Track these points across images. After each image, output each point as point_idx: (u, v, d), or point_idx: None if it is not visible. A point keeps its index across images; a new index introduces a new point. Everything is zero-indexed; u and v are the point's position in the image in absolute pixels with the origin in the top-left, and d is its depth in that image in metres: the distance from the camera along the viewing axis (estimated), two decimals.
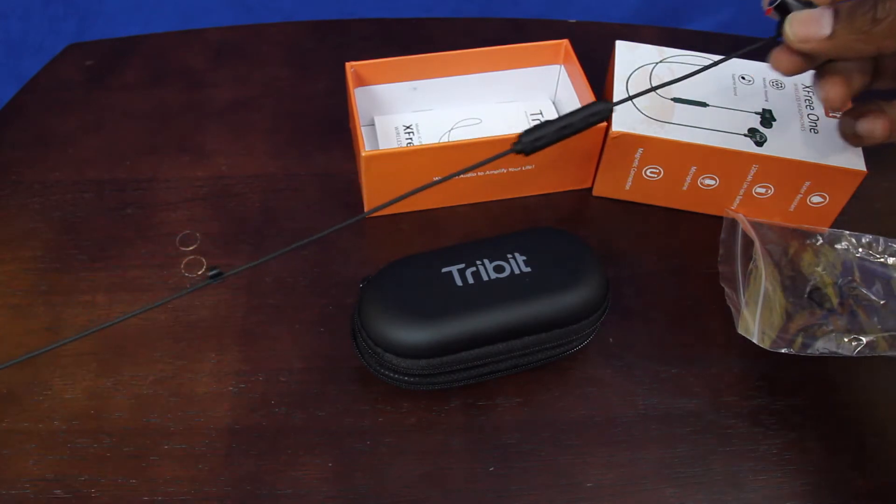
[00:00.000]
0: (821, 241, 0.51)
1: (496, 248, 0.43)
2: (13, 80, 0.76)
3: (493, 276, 0.42)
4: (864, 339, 0.46)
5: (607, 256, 0.51)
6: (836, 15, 0.38)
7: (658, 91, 0.52)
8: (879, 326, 0.47)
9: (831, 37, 0.38)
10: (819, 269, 0.50)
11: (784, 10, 0.40)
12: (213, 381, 0.45)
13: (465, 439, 0.43)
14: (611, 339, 0.47)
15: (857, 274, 0.49)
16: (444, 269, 0.42)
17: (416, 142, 0.55)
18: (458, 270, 0.42)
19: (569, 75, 0.55)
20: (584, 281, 0.42)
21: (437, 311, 0.41)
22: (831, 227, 0.52)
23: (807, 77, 0.53)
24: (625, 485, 0.42)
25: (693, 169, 0.50)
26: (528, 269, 0.42)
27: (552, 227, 0.46)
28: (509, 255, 0.43)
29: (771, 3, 0.41)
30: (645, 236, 0.53)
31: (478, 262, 0.42)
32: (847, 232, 0.51)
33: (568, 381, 0.45)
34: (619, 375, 0.46)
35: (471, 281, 0.42)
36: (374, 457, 0.42)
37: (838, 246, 0.51)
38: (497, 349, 0.41)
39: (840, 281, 0.49)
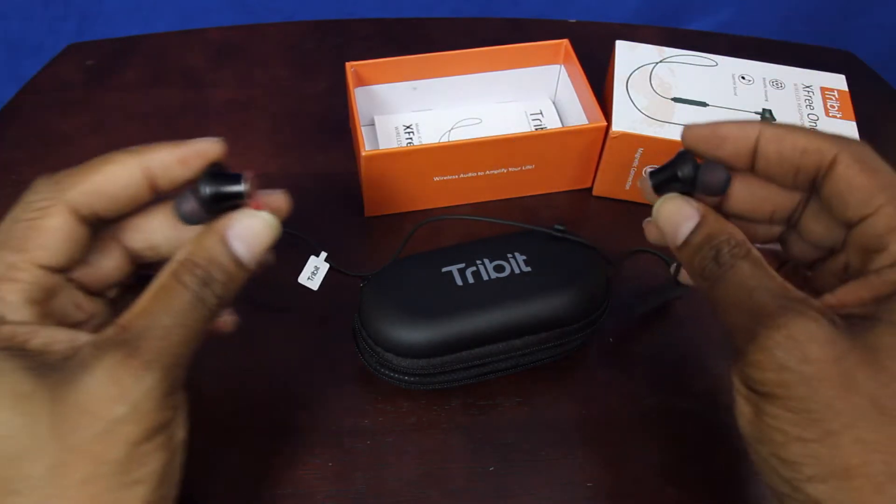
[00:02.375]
0: None
1: (496, 248, 0.43)
2: (13, 80, 0.76)
3: (494, 275, 0.42)
4: None
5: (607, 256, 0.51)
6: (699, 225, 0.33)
7: (657, 90, 0.52)
8: None
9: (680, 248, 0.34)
10: None
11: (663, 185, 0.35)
12: (213, 381, 0.45)
13: (465, 439, 0.43)
14: (610, 339, 0.47)
15: None
16: (444, 269, 0.42)
17: (416, 142, 0.55)
18: (459, 270, 0.42)
19: (569, 75, 0.55)
20: (584, 281, 0.42)
21: (437, 311, 0.41)
22: None
23: (807, 77, 0.53)
24: (625, 485, 0.42)
25: None
26: (529, 269, 0.42)
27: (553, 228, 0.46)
28: (509, 255, 0.43)
29: (651, 177, 0.36)
30: (645, 236, 0.52)
31: (478, 262, 0.42)
32: None
33: (568, 380, 0.45)
34: (620, 375, 0.46)
35: (471, 280, 0.42)
36: (374, 456, 0.42)
37: None
38: (497, 349, 0.41)
39: None
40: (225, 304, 0.32)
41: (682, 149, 0.34)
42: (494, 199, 0.54)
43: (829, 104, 0.52)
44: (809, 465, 0.27)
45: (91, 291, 0.34)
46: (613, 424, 0.44)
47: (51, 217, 0.31)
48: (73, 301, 0.32)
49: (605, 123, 0.50)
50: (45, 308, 0.31)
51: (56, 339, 0.29)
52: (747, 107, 0.51)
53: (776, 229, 0.36)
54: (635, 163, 0.51)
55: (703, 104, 0.51)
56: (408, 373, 0.41)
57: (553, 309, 0.42)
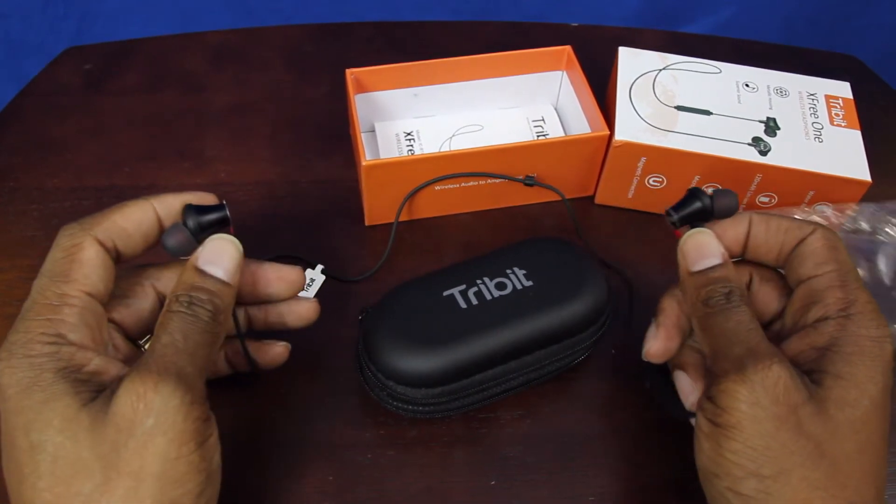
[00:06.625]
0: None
1: (495, 265, 0.42)
2: (13, 80, 0.75)
3: (496, 293, 0.41)
4: None
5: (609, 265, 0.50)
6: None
7: (661, 98, 0.51)
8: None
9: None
10: None
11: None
12: (212, 393, 0.44)
13: (466, 452, 0.43)
14: (612, 351, 0.47)
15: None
16: (445, 293, 0.41)
17: (416, 149, 0.54)
18: (461, 292, 0.41)
19: (571, 82, 0.55)
20: (587, 288, 0.42)
21: (447, 337, 0.40)
22: None
23: (811, 84, 0.53)
24: (628, 498, 0.42)
25: (696, 178, 0.50)
26: (530, 283, 0.41)
27: (549, 237, 0.45)
28: (509, 271, 0.42)
29: (674, 213, 0.39)
30: (647, 244, 0.52)
31: (479, 282, 0.42)
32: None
33: (570, 392, 0.45)
34: (622, 387, 0.45)
35: (474, 302, 0.41)
36: (375, 470, 0.42)
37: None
38: (511, 367, 0.41)
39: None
40: (221, 316, 0.36)
41: (690, 187, 0.40)
42: (496, 207, 0.53)
43: (833, 112, 0.51)
44: (761, 500, 0.32)
45: (129, 336, 0.38)
46: (616, 437, 0.44)
47: (84, 250, 0.35)
48: (112, 341, 0.37)
49: (608, 132, 0.49)
50: (97, 337, 0.35)
51: (106, 369, 0.33)
52: (751, 115, 0.50)
53: None
54: (638, 171, 0.50)
55: (707, 113, 0.50)
56: (423, 403, 0.40)
57: (562, 320, 0.41)
